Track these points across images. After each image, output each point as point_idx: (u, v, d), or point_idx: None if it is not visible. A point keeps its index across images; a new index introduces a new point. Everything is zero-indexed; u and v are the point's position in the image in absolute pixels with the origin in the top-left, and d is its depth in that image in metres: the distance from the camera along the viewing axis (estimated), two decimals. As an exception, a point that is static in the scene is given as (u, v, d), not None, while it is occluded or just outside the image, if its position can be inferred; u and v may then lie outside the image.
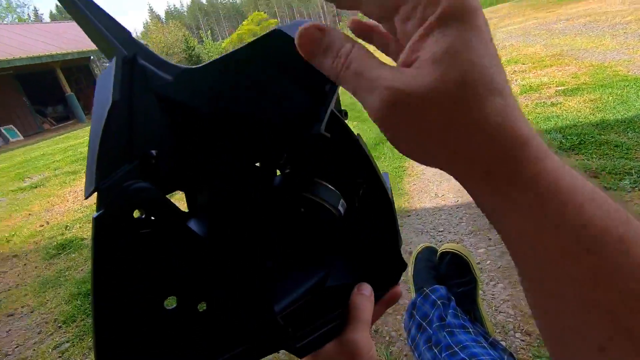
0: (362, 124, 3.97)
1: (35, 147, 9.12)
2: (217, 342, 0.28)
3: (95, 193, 0.20)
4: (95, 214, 0.20)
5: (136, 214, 0.21)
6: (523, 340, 1.18)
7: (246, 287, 0.28)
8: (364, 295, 0.34)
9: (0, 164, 7.63)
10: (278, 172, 0.33)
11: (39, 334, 1.86)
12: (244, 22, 29.68)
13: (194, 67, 0.24)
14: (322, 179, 0.32)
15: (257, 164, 0.31)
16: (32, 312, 2.08)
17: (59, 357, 1.64)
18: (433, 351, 0.92)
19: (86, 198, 0.21)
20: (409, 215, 2.10)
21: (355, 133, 0.33)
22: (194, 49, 29.00)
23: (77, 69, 15.41)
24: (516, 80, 3.93)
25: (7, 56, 11.57)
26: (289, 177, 0.33)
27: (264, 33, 0.25)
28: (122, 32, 0.21)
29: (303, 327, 0.32)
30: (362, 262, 0.38)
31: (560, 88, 3.36)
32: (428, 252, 1.26)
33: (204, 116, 0.24)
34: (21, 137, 12.30)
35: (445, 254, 1.19)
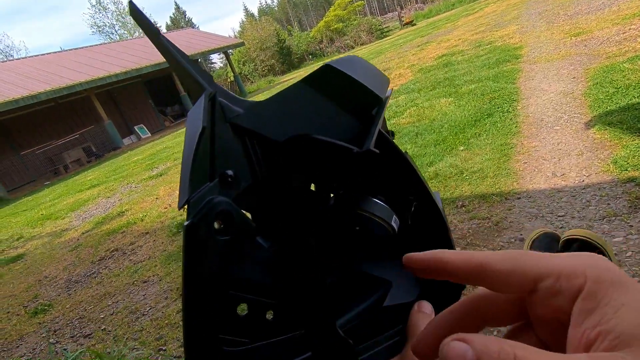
0: (458, 100, 3.63)
1: (159, 142, 10.67)
2: (283, 348, 0.29)
3: (186, 205, 0.24)
4: (185, 222, 0.23)
5: (217, 225, 0.24)
6: (685, 353, 0.93)
7: (309, 300, 0.31)
8: (424, 313, 0.34)
9: (135, 157, 9.14)
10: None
11: (165, 299, 2.17)
12: (330, 9, 29.78)
13: (260, 101, 0.28)
14: (374, 196, 0.35)
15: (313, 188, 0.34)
16: (160, 280, 2.43)
17: (181, 320, 1.88)
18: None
19: (179, 209, 0.24)
20: (518, 198, 1.85)
21: (404, 150, 0.35)
22: (284, 41, 30.24)
23: (189, 71, 17.47)
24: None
25: (136, 65, 13.68)
26: (342, 196, 0.35)
27: (316, 69, 0.29)
28: (206, 75, 0.26)
29: (364, 341, 0.33)
30: (421, 280, 0.38)
31: None
32: (548, 239, 1.08)
33: (270, 142, 0.28)
34: (149, 134, 14.52)
35: (571, 241, 0.99)
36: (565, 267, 0.18)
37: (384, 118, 0.35)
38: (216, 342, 0.26)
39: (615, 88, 2.52)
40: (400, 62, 7.35)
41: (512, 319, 0.21)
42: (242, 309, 0.28)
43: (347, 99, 0.31)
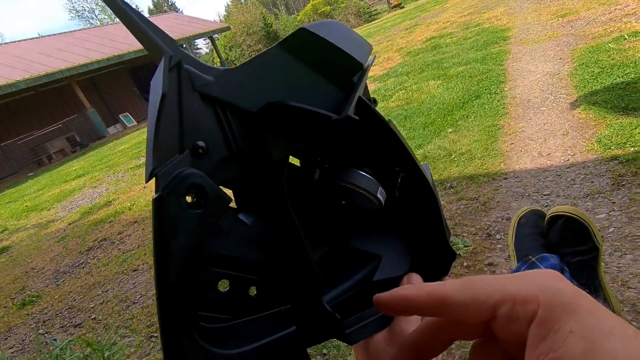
0: (447, 83, 3.63)
1: (146, 131, 10.46)
2: (266, 323, 0.28)
3: (154, 178, 0.23)
4: (154, 196, 0.22)
5: (189, 198, 0.23)
6: (663, 323, 0.97)
7: (294, 276, 0.30)
8: (412, 285, 0.31)
9: (121, 146, 8.96)
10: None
11: (156, 287, 2.16)
12: (318, -9, 29.21)
13: (232, 68, 0.26)
14: (360, 169, 0.33)
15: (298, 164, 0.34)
16: (150, 268, 2.42)
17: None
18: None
19: (146, 182, 0.23)
20: (505, 178, 1.87)
21: (387, 118, 0.33)
22: (271, 25, 29.62)
23: (173, 57, 17.02)
24: None
25: (118, 52, 13.28)
26: (326, 169, 0.34)
27: (291, 33, 0.27)
28: (167, 39, 0.24)
29: (352, 315, 0.32)
30: (410, 254, 0.38)
31: None
32: (534, 217, 1.09)
33: (243, 112, 0.27)
34: (135, 122, 14.23)
35: (556, 218, 1.01)
36: (519, 292, 0.18)
37: (366, 86, 0.34)
38: (193, 319, 0.25)
39: (601, 68, 2.54)
40: (388, 45, 7.27)
41: (479, 333, 0.21)
42: (224, 285, 0.27)
43: (325, 64, 0.29)
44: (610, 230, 1.32)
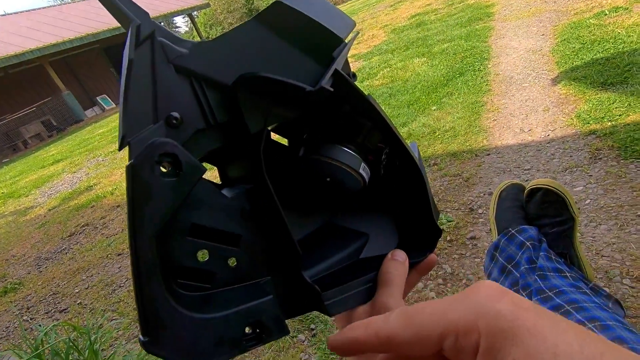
0: (431, 60, 3.61)
1: (126, 113, 10.13)
2: (244, 292, 0.29)
3: (127, 147, 0.23)
4: (127, 163, 0.22)
5: (163, 168, 0.23)
6: (633, 287, 1.01)
7: (273, 248, 0.30)
8: (397, 260, 0.34)
9: (100, 129, 8.69)
10: None
11: (142, 270, 2.15)
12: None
13: (206, 41, 0.26)
14: (343, 145, 0.33)
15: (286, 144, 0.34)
16: (135, 252, 2.40)
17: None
18: (520, 295, 0.82)
19: (119, 150, 0.24)
20: (488, 154, 1.90)
21: (367, 93, 0.33)
22: (252, 2, 28.66)
23: (151, 35, 16.35)
24: None
25: (92, 30, 12.67)
26: (308, 145, 0.35)
27: (267, 6, 0.27)
28: (139, 10, 0.24)
29: (334, 287, 0.32)
30: (397, 230, 0.38)
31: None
32: (515, 190, 1.11)
33: (218, 85, 0.26)
34: (113, 105, 13.76)
35: (535, 190, 1.03)
36: (459, 321, 0.18)
37: (347, 61, 0.33)
38: (167, 283, 0.25)
39: (581, 44, 2.56)
40: (373, 22, 7.15)
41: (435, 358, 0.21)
42: (204, 255, 0.28)
43: (303, 38, 0.28)
44: (587, 202, 1.36)
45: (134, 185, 0.23)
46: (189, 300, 0.26)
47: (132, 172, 0.22)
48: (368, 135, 0.35)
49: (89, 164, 5.38)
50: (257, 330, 0.28)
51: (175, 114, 0.25)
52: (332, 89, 0.28)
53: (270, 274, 0.30)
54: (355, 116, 0.35)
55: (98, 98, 13.80)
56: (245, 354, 1.30)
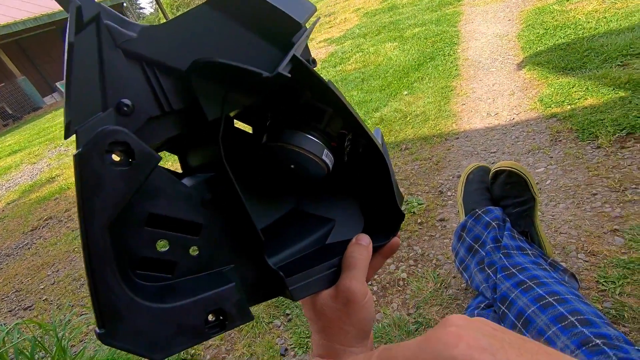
0: (403, 45, 3.62)
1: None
2: (207, 281, 0.29)
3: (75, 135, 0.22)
4: (74, 152, 0.22)
5: (115, 156, 0.23)
6: (587, 261, 1.08)
7: (235, 236, 0.30)
8: (361, 245, 0.34)
9: (60, 117, 8.21)
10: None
11: (112, 263, 2.08)
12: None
13: (157, 24, 0.25)
14: (305, 132, 0.34)
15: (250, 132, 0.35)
16: (104, 245, 2.31)
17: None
18: (486, 272, 0.86)
19: (65, 139, 0.23)
20: (457, 138, 1.95)
21: (327, 78, 0.32)
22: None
23: (113, 17, 15.44)
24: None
25: (47, 10, 11.81)
26: (270, 132, 0.35)
27: None
28: None
29: (298, 272, 0.32)
30: (361, 215, 0.39)
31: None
32: (481, 173, 1.15)
33: (172, 70, 0.26)
34: (75, 91, 13.00)
35: (499, 172, 1.07)
36: None
37: (307, 47, 0.34)
38: (122, 274, 0.24)
39: (545, 29, 2.65)
40: (345, 5, 7.07)
41: None
42: (164, 245, 0.28)
43: (260, 24, 0.28)
44: (548, 182, 1.43)
45: (83, 175, 0.22)
46: (149, 290, 0.26)
47: (80, 162, 0.22)
48: (330, 122, 0.35)
49: (50, 155, 5.10)
50: (220, 318, 0.28)
51: (126, 101, 0.24)
52: (289, 75, 0.28)
53: (233, 262, 0.30)
54: (317, 103, 0.35)
55: (57, 84, 12.99)
56: (221, 341, 1.30)
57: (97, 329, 0.24)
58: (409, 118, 2.30)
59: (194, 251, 0.29)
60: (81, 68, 0.23)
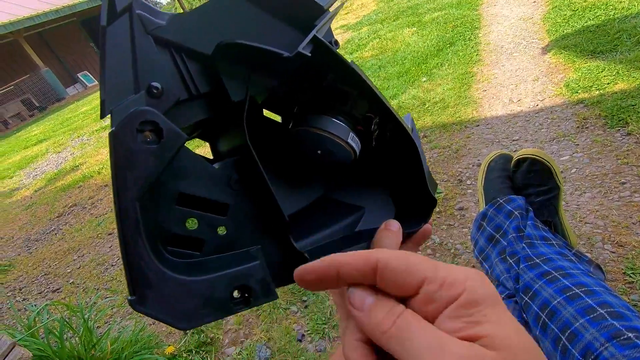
0: (421, 30, 3.53)
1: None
2: (233, 259, 0.29)
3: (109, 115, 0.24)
4: (109, 130, 0.23)
5: (145, 135, 0.24)
6: (613, 252, 1.05)
7: (261, 217, 0.30)
8: (391, 230, 0.34)
9: (83, 107, 8.43)
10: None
11: (133, 249, 2.15)
12: None
13: (183, 12, 0.26)
14: (331, 116, 0.33)
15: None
16: (126, 231, 2.38)
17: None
18: (508, 262, 0.84)
19: (101, 118, 0.24)
20: (477, 125, 1.90)
21: (350, 60, 0.32)
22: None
23: (131, 7, 15.58)
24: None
25: (68, 2, 12.02)
26: (296, 116, 0.35)
27: None
28: None
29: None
30: (392, 203, 0.39)
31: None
32: (502, 161, 1.12)
33: (198, 55, 0.27)
34: (96, 82, 13.29)
35: (522, 160, 1.04)
36: (448, 276, 0.19)
37: (330, 30, 0.34)
38: (154, 247, 0.25)
39: (573, 11, 2.52)
40: (362, -9, 6.92)
41: None
42: (194, 223, 0.29)
43: (284, 8, 0.29)
44: (573, 171, 1.38)
45: (116, 151, 0.23)
46: (178, 265, 0.27)
47: (114, 139, 0.23)
48: (355, 104, 0.35)
49: (73, 144, 5.25)
50: (245, 295, 0.28)
51: (156, 84, 0.25)
52: (309, 54, 0.28)
53: (259, 243, 0.31)
54: (341, 85, 0.34)
55: (79, 75, 13.30)
56: (239, 325, 1.33)
57: (129, 296, 0.25)
58: (427, 105, 2.25)
59: (221, 230, 0.30)
60: (115, 54, 0.24)
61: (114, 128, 0.23)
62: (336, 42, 0.34)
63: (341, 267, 0.22)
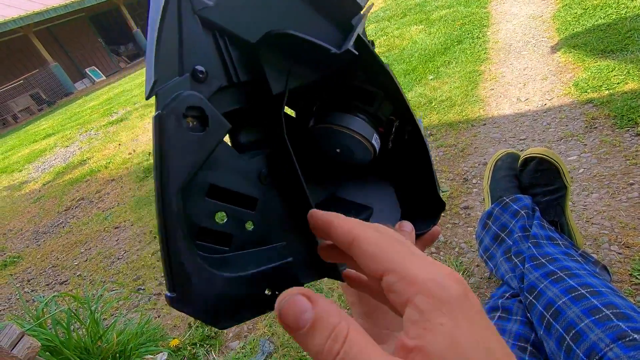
0: (429, 27, 3.50)
1: (117, 85, 9.90)
2: (263, 255, 0.28)
3: (155, 97, 0.23)
4: (154, 113, 0.22)
5: (188, 122, 0.23)
6: (620, 254, 1.04)
7: (291, 213, 0.30)
8: (405, 231, 0.35)
9: (91, 102, 8.50)
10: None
11: (139, 242, 2.17)
12: None
13: None
14: (355, 114, 0.33)
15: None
16: (132, 225, 2.41)
17: (157, 261, 1.90)
18: (513, 261, 0.84)
19: (147, 99, 0.23)
20: (484, 124, 1.88)
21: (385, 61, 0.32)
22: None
23: (139, 3, 15.66)
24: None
25: (76, -3, 12.09)
26: (320, 113, 0.34)
27: None
28: None
29: None
30: (399, 203, 0.39)
31: None
32: (510, 159, 1.11)
33: (244, 42, 0.26)
34: (103, 77, 13.39)
35: (529, 159, 1.03)
36: (409, 272, 0.18)
37: (365, 31, 0.33)
38: (191, 239, 0.25)
39: (583, 9, 2.49)
40: (370, -12, 6.88)
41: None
42: (222, 217, 0.28)
43: (326, 3, 0.29)
44: (580, 171, 1.36)
45: (161, 136, 0.22)
46: (209, 260, 0.26)
47: (160, 123, 0.22)
48: (381, 106, 0.35)
49: (81, 138, 5.30)
50: (276, 292, 0.27)
51: (201, 68, 0.24)
52: (357, 52, 0.28)
53: (286, 239, 0.30)
54: (368, 85, 0.34)
55: (87, 70, 13.40)
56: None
57: (167, 292, 0.23)
58: (434, 103, 2.24)
59: (249, 225, 0.29)
60: (166, 31, 0.23)
61: (160, 111, 0.22)
62: (372, 43, 0.34)
63: (333, 228, 0.23)
